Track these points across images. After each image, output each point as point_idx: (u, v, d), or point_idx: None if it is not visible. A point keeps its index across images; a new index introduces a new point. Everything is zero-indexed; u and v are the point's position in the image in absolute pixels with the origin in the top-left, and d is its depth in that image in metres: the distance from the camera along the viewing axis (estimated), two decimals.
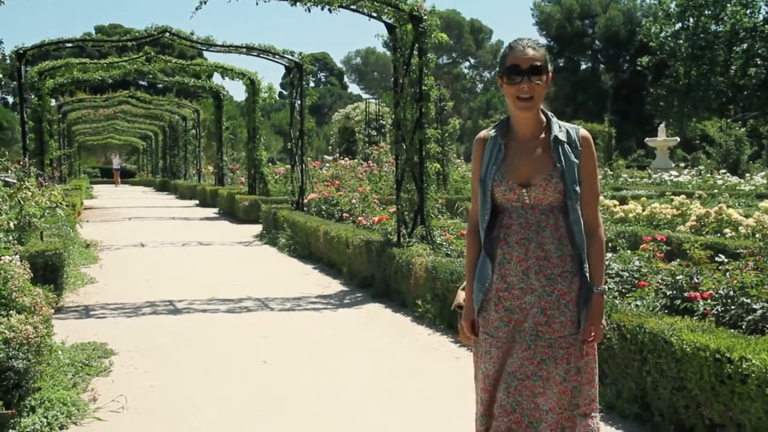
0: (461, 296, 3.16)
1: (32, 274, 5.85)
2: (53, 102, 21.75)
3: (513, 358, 2.88)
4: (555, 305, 2.85)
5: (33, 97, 16.27)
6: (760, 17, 45.30)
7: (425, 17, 8.80)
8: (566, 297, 2.86)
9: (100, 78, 19.09)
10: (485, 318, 2.95)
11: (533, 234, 2.86)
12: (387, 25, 9.35)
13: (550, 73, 2.91)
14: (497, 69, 2.96)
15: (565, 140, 2.89)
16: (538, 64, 2.83)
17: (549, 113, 2.97)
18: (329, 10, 9.12)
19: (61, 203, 9.94)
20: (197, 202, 26.01)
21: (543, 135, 2.92)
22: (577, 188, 2.86)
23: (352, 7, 9.17)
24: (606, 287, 2.94)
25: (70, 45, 16.22)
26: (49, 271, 7.66)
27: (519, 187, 2.87)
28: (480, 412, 3.00)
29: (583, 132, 2.94)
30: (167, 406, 4.96)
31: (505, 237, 2.90)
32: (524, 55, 2.83)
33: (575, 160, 2.87)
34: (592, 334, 2.90)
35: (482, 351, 2.98)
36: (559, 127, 2.92)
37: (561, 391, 2.87)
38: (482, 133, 3.05)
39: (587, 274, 2.88)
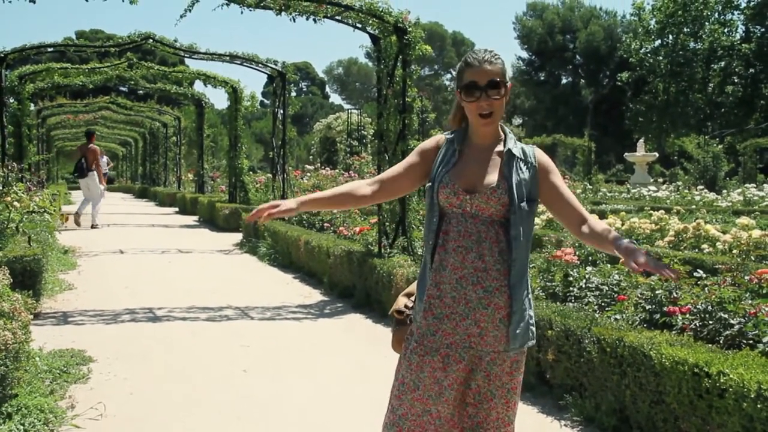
0: (402, 301, 3.10)
1: (11, 280, 5.81)
2: (33, 106, 21.58)
3: (449, 372, 2.82)
4: (489, 318, 2.79)
5: (13, 101, 16.13)
6: (738, 36, 45.87)
7: (410, 29, 8.85)
8: (501, 312, 2.80)
9: (80, 83, 18.96)
10: (415, 324, 2.92)
11: (473, 244, 2.81)
12: (371, 36, 9.40)
13: (509, 83, 2.87)
14: (455, 82, 2.92)
15: (520, 156, 2.88)
16: (497, 79, 2.80)
17: (507, 129, 2.95)
18: (314, 20, 9.15)
19: (47, 208, 9.88)
20: (177, 209, 25.88)
21: (499, 148, 2.91)
22: (524, 206, 2.81)
23: (337, 17, 9.22)
24: (629, 241, 2.75)
25: (51, 49, 16.12)
26: (27, 277, 7.59)
27: (464, 192, 2.83)
28: (389, 420, 2.94)
29: (538, 151, 2.93)
30: (146, 414, 4.93)
31: (443, 243, 2.86)
32: (481, 70, 2.80)
33: (527, 177, 2.85)
34: (638, 261, 2.65)
35: (403, 357, 2.94)
36: (515, 144, 2.91)
37: (490, 408, 2.85)
38: (439, 137, 3.03)
39: (525, 292, 2.83)
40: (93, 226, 18.18)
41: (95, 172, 17.83)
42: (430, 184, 2.93)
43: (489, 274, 2.80)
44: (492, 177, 2.84)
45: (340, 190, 3.03)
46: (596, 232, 2.82)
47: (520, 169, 2.85)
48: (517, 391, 2.93)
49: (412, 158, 3.03)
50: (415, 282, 3.06)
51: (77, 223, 17.80)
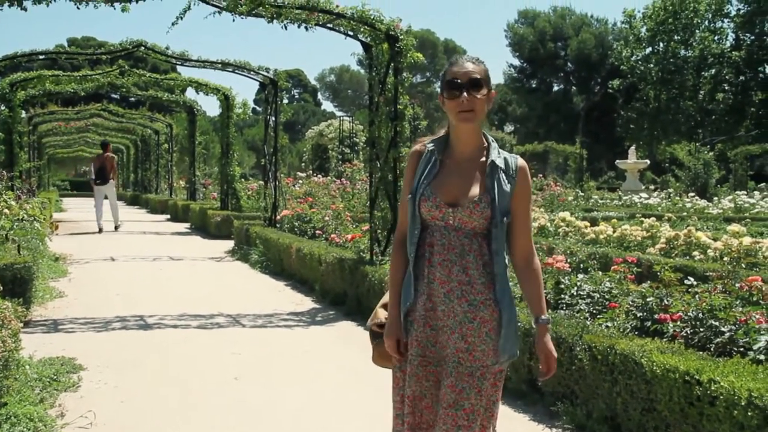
0: (381, 314, 3.05)
1: (1, 287, 5.79)
2: (24, 114, 21.53)
3: (441, 385, 2.83)
4: (476, 332, 2.78)
5: (4, 108, 16.10)
6: (728, 44, 46.15)
7: (401, 37, 8.86)
8: (488, 325, 2.78)
9: (72, 90, 18.91)
10: (411, 338, 2.87)
11: (456, 257, 2.79)
12: (363, 44, 9.41)
13: (493, 91, 2.87)
14: (440, 87, 2.89)
15: (502, 167, 2.84)
16: (477, 77, 2.79)
17: (490, 138, 2.92)
18: (306, 28, 9.15)
19: (38, 216, 9.86)
20: (168, 216, 25.80)
21: (482, 159, 2.87)
22: (506, 219, 2.80)
23: (329, 25, 9.22)
24: (549, 317, 2.91)
25: (42, 57, 16.07)
26: (17, 285, 7.56)
27: (446, 206, 2.80)
28: None
29: (521, 162, 2.88)
30: (137, 422, 4.91)
31: (429, 256, 2.83)
32: (463, 68, 2.80)
33: (508, 189, 2.82)
34: (549, 365, 2.85)
35: (409, 373, 2.89)
36: (498, 154, 2.87)
37: (482, 423, 2.84)
38: (417, 146, 2.98)
39: (507, 306, 2.80)
40: (115, 228, 19.63)
41: (113, 180, 19.44)
42: (411, 195, 2.89)
43: (474, 288, 2.79)
44: (475, 190, 2.82)
45: (398, 277, 2.96)
46: (530, 281, 2.89)
47: (503, 181, 2.82)
48: (500, 399, 2.94)
49: (406, 187, 2.98)
50: (389, 296, 3.00)
51: (102, 230, 19.15)
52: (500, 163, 2.85)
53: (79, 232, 18.73)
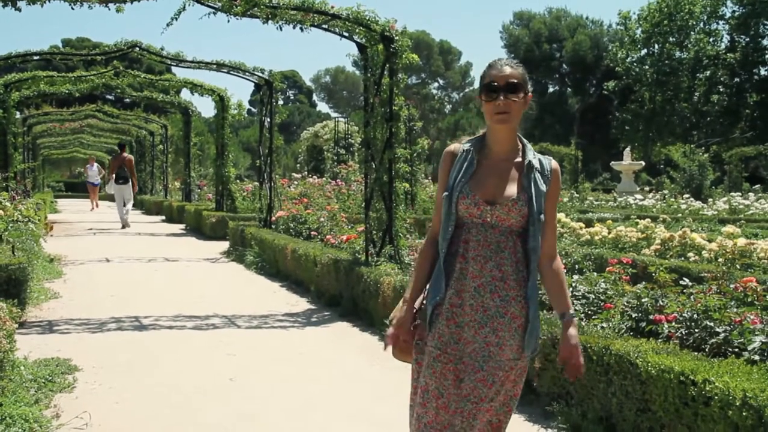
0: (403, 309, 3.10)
1: None
2: (18, 115, 21.50)
3: (465, 382, 2.85)
4: (507, 327, 2.84)
5: None
6: (723, 46, 46.31)
7: (396, 38, 8.86)
8: (517, 321, 2.85)
9: (67, 91, 18.87)
10: (434, 332, 2.91)
11: (492, 253, 2.86)
12: (358, 45, 9.41)
13: (529, 93, 2.95)
14: (478, 89, 2.99)
15: (538, 168, 2.92)
16: (515, 81, 2.88)
17: (525, 140, 3.00)
18: (301, 28, 9.15)
19: (32, 217, 9.85)
20: (163, 217, 25.76)
21: (517, 159, 2.94)
22: (542, 217, 2.87)
23: (324, 26, 9.22)
24: (575, 313, 2.99)
25: (37, 57, 16.04)
26: (12, 286, 7.53)
27: (484, 203, 2.87)
28: (417, 429, 2.97)
29: (555, 164, 2.98)
30: (132, 423, 4.91)
31: (464, 252, 2.89)
32: (501, 72, 2.89)
33: (544, 189, 2.90)
34: (576, 367, 2.91)
35: (425, 364, 2.94)
36: (533, 155, 2.95)
37: (498, 417, 2.91)
38: (453, 146, 3.05)
39: (534, 302, 2.88)
40: (122, 226, 20.56)
41: (131, 180, 20.67)
42: (447, 193, 2.94)
43: (507, 284, 2.85)
44: (512, 189, 2.89)
45: (425, 270, 3.02)
46: (554, 279, 2.96)
47: (539, 180, 2.90)
48: (518, 395, 2.99)
49: (441, 186, 3.02)
50: (409, 289, 3.05)
51: (127, 225, 20.60)
52: (536, 163, 2.93)
53: (74, 234, 18.69)
